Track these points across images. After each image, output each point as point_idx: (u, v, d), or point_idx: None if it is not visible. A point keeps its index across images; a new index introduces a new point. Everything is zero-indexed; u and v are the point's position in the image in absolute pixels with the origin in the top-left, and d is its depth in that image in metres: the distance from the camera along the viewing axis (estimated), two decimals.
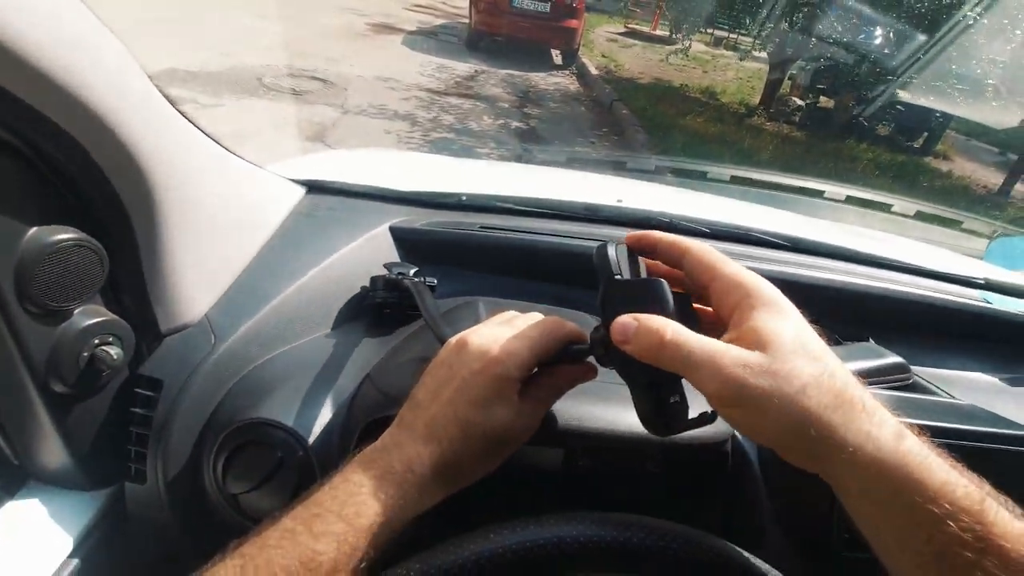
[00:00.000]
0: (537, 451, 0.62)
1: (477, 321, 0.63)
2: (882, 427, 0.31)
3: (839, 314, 0.86)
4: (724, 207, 1.26)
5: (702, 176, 1.34)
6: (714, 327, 0.37)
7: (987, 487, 0.31)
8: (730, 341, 0.34)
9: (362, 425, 0.52)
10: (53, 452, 0.52)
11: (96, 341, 0.50)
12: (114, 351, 0.50)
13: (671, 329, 0.35)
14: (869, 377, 0.70)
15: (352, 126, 4.46)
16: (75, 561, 0.52)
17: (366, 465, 0.38)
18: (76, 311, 0.49)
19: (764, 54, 7.47)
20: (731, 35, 11.78)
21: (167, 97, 0.52)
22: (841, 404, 0.31)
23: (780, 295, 0.37)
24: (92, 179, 0.45)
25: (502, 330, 0.44)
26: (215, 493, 0.54)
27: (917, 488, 0.30)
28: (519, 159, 4.59)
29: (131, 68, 0.45)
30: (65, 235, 0.45)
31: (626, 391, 0.41)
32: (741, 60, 8.08)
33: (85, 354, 0.49)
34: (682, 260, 0.41)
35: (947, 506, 0.29)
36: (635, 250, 0.43)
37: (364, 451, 0.40)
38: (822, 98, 7.38)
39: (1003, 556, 0.28)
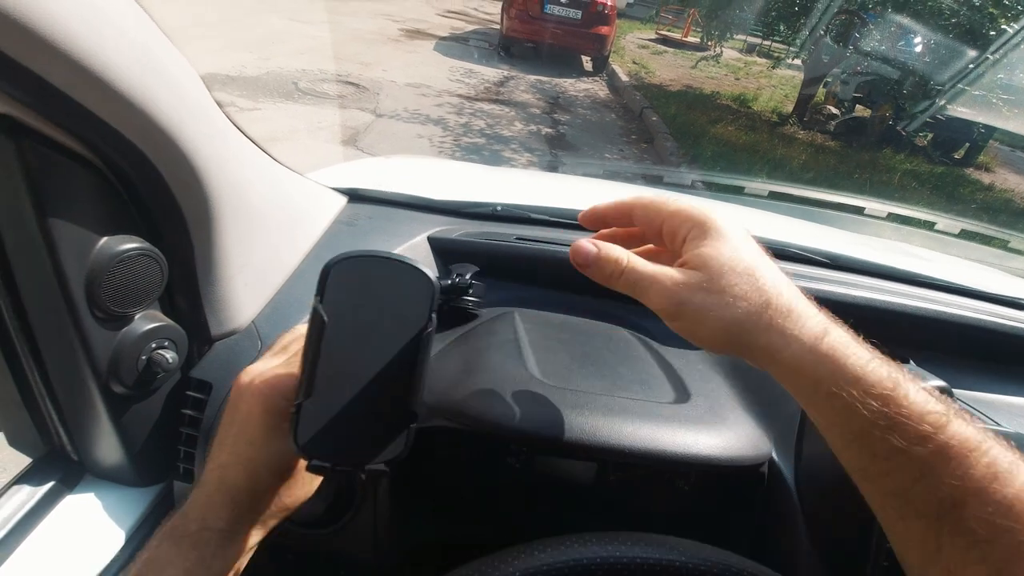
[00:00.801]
0: (571, 465, 0.63)
1: (514, 333, 0.64)
2: (803, 328, 0.35)
3: (879, 333, 0.85)
4: (760, 220, 1.25)
5: (739, 191, 1.32)
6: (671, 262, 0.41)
7: (905, 370, 0.34)
8: (678, 266, 0.39)
9: None
10: (110, 449, 0.55)
11: (153, 345, 0.52)
12: (169, 355, 0.53)
13: (627, 257, 0.40)
14: None
15: (384, 130, 4.53)
16: (127, 553, 0.55)
17: (166, 533, 0.38)
18: (137, 316, 0.51)
19: (798, 62, 7.35)
20: (764, 42, 11.63)
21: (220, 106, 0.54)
22: (767, 312, 0.35)
23: (724, 222, 0.40)
24: (155, 190, 0.47)
25: (273, 361, 0.44)
26: None
27: (834, 379, 0.33)
28: (549, 165, 4.61)
29: (192, 80, 0.47)
30: (131, 244, 0.47)
31: (659, 408, 0.42)
32: (774, 68, 7.97)
33: (143, 357, 0.51)
34: (632, 217, 0.44)
35: (862, 391, 0.33)
36: (592, 227, 0.46)
37: (169, 518, 0.40)
38: (858, 107, 7.22)
39: (906, 432, 0.32)
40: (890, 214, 1.26)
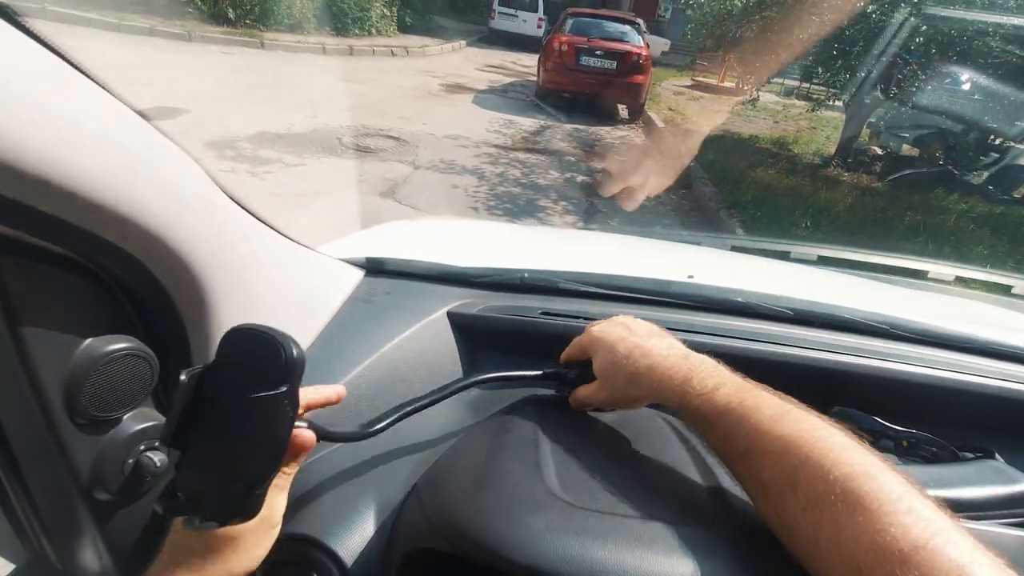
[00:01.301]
0: None
1: (533, 431, 0.58)
2: (666, 382, 0.52)
3: (953, 417, 0.75)
4: (808, 282, 1.16)
5: (784, 256, 1.24)
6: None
7: (693, 362, 0.52)
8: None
9: (403, 553, 0.47)
10: (94, 558, 0.51)
11: (142, 447, 0.48)
12: (158, 457, 0.49)
13: (578, 395, 0.61)
14: (1000, 508, 0.59)
15: (422, 182, 4.62)
16: None
17: None
18: (126, 416, 0.48)
19: (839, 103, 7.23)
20: (803, 85, 11.55)
21: (226, 191, 0.52)
22: (637, 382, 0.54)
23: (598, 338, 0.60)
24: (145, 287, 0.44)
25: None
26: None
27: (669, 401, 0.52)
28: (586, 213, 4.58)
29: (188, 171, 0.45)
30: (116, 345, 0.44)
31: (697, 535, 0.42)
32: (813, 111, 7.84)
33: (130, 461, 0.48)
34: (576, 352, 0.63)
35: (680, 396, 0.51)
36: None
37: None
38: (904, 147, 7.00)
39: (694, 412, 0.49)
40: (959, 278, 1.14)
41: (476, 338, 0.76)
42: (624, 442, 0.57)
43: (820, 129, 8.81)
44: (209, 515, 0.39)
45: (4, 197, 0.32)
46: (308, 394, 0.47)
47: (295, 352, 0.40)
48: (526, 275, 0.87)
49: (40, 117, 0.32)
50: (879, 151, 7.13)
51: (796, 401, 0.46)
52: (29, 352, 0.40)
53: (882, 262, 1.19)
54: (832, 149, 7.30)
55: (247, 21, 9.37)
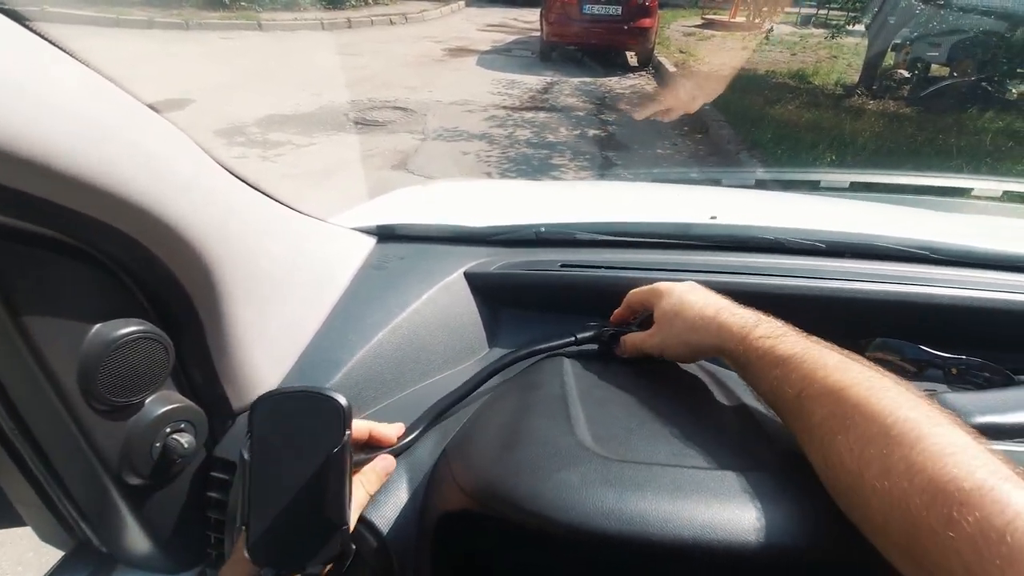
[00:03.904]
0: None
1: (561, 385, 0.56)
2: (731, 325, 0.52)
3: (1004, 340, 0.70)
4: (839, 211, 1.11)
5: (815, 186, 1.16)
6: None
7: (760, 316, 0.52)
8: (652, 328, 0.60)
9: (436, 518, 0.47)
10: (136, 540, 0.52)
11: (168, 430, 0.48)
12: (185, 439, 0.49)
13: (631, 339, 0.61)
14: None
15: (432, 151, 4.56)
16: None
17: None
18: (148, 400, 0.47)
19: (861, 27, 6.82)
20: (820, 11, 10.95)
21: (225, 165, 0.50)
22: (698, 328, 0.54)
23: (665, 289, 0.60)
24: (148, 267, 0.43)
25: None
26: None
27: (728, 344, 0.51)
28: (600, 167, 4.48)
29: (180, 149, 0.43)
30: (126, 328, 0.43)
31: (739, 480, 0.40)
32: (833, 38, 7.42)
33: (157, 444, 0.48)
34: (636, 300, 0.64)
35: (742, 339, 0.50)
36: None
37: None
38: (934, 66, 6.61)
39: (753, 358, 0.48)
40: (1007, 193, 1.05)
41: (496, 297, 0.74)
42: (658, 392, 0.55)
43: (841, 57, 8.38)
44: (298, 563, 0.41)
45: (4, 186, 0.31)
46: (372, 427, 0.51)
47: (346, 403, 0.43)
48: (542, 229, 0.84)
49: (21, 96, 0.30)
50: (906, 73, 6.75)
51: (858, 357, 0.44)
52: (35, 341, 0.39)
53: (922, 183, 1.09)
54: (855, 77, 6.96)
55: (242, 3, 9.22)
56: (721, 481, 0.41)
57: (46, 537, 0.54)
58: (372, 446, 0.51)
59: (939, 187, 1.05)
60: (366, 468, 0.48)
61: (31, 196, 0.33)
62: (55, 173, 0.32)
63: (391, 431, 0.52)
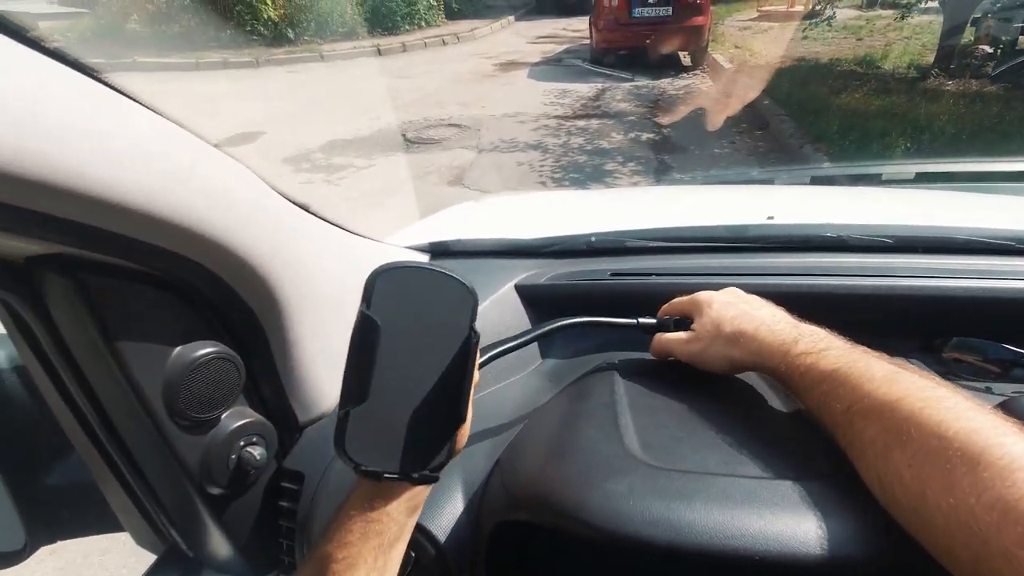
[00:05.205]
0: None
1: (611, 394, 0.56)
2: (770, 343, 0.51)
3: None
4: (905, 204, 1.04)
5: (876, 179, 1.10)
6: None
7: (802, 329, 0.51)
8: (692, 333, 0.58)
9: (490, 527, 0.48)
10: (218, 545, 0.56)
11: (242, 443, 0.52)
12: (257, 452, 0.52)
13: (663, 339, 0.61)
14: None
15: (487, 164, 4.64)
16: None
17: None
18: (224, 416, 0.51)
19: (935, 2, 6.37)
20: None
21: (285, 195, 0.54)
22: (738, 342, 0.53)
23: (704, 300, 0.59)
24: (221, 294, 0.47)
25: None
26: None
27: (769, 362, 0.50)
28: (655, 172, 4.41)
29: (241, 182, 0.46)
30: (203, 350, 0.48)
31: (793, 490, 0.39)
32: (903, 18, 6.99)
33: (233, 456, 0.52)
34: (675, 310, 0.63)
35: (783, 355, 0.49)
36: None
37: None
38: (1021, 39, 6.08)
39: (797, 374, 0.47)
40: None
41: (546, 308, 0.75)
42: (710, 400, 0.54)
43: (913, 38, 7.88)
44: (407, 466, 0.38)
45: (95, 227, 0.35)
46: None
47: (477, 293, 0.40)
48: (593, 239, 0.85)
49: (99, 147, 0.34)
50: (988, 49, 6.25)
51: (908, 365, 0.43)
52: (127, 363, 0.43)
53: (994, 168, 1.01)
54: (930, 57, 6.51)
55: (305, 38, 9.78)
56: (775, 490, 0.40)
57: (141, 541, 0.60)
58: None
59: (1017, 172, 0.96)
60: None
61: (120, 236, 0.37)
62: (142, 216, 0.36)
63: None
